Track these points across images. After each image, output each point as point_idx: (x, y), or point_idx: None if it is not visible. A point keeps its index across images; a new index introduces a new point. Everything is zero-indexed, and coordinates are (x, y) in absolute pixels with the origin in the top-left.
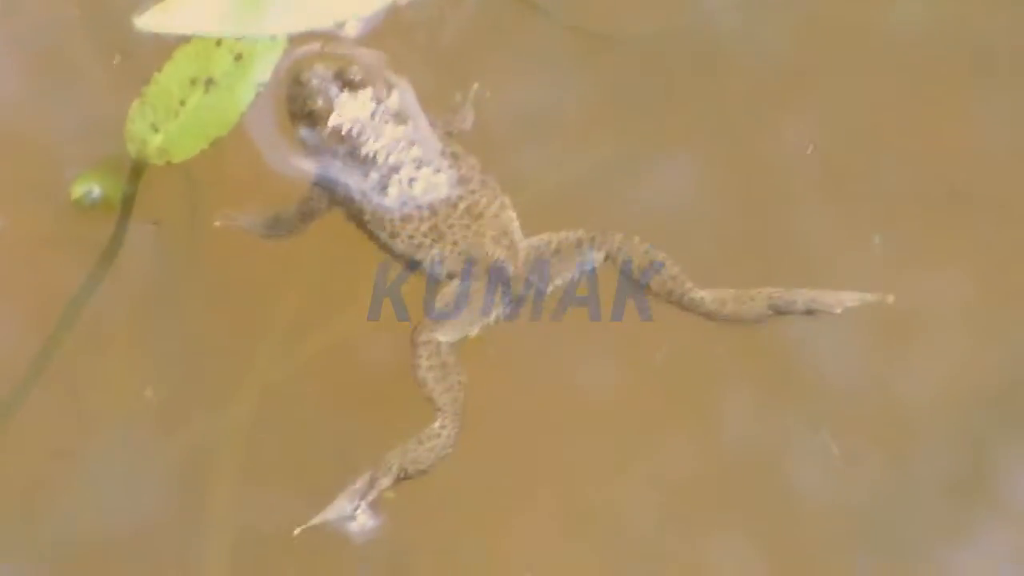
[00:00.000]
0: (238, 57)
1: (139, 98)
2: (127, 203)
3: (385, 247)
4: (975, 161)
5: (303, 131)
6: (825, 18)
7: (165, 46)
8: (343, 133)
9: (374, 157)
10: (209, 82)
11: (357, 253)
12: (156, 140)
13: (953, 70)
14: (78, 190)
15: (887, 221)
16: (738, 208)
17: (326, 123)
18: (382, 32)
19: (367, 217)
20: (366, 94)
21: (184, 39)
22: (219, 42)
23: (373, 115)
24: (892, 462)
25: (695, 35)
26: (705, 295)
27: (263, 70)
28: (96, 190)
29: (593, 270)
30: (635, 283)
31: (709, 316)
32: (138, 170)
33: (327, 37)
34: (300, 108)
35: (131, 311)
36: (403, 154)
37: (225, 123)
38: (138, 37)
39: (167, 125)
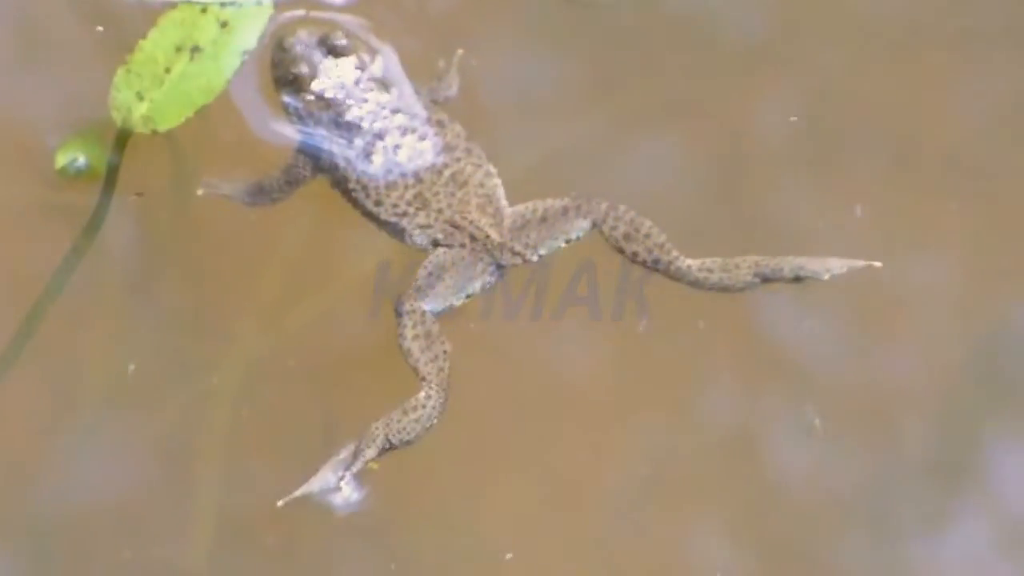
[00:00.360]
0: (224, 24)
1: (124, 66)
2: (112, 172)
3: (370, 215)
4: (958, 133)
5: (287, 97)
6: None
7: (150, 13)
8: (327, 99)
9: (358, 124)
10: (195, 49)
11: (343, 226)
12: (141, 108)
13: (935, 41)
14: (62, 159)
15: (871, 192)
16: (724, 178)
17: (310, 89)
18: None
19: (352, 184)
20: (350, 60)
21: (170, 5)
22: (205, 8)
23: (357, 81)
24: (875, 440)
25: (680, 3)
26: (692, 263)
27: (249, 37)
28: (81, 159)
29: (579, 238)
30: (620, 251)
31: (695, 285)
32: (123, 139)
33: (313, 3)
34: (284, 74)
35: (115, 282)
36: (387, 121)
37: (211, 91)
38: (123, 3)
39: (152, 93)
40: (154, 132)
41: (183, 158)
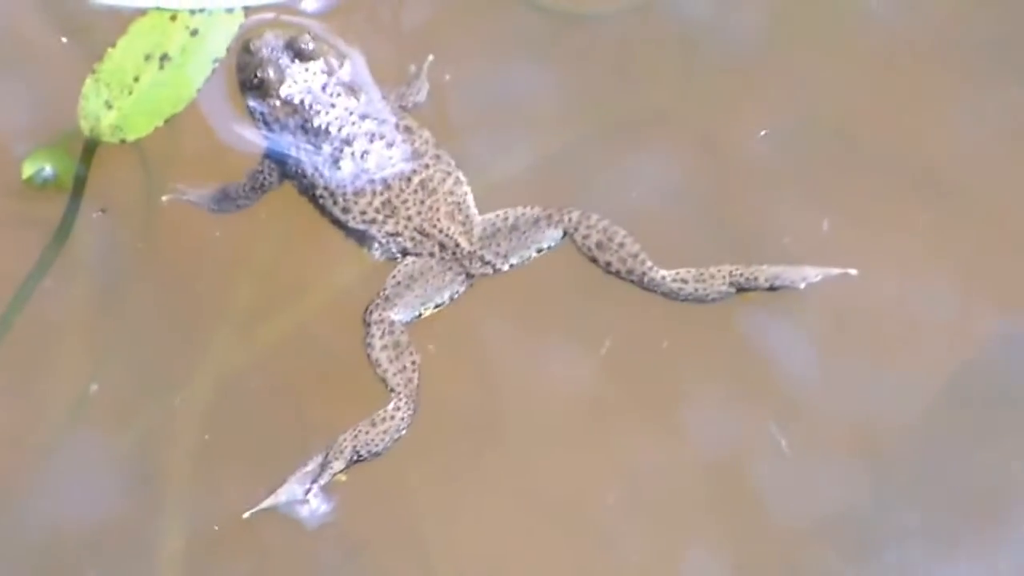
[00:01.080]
0: (194, 32)
1: (92, 74)
2: (79, 182)
3: (337, 222)
4: (945, 147)
5: (253, 102)
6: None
7: (119, 20)
8: (294, 104)
9: (326, 129)
10: (164, 58)
11: (315, 237)
12: (110, 117)
13: (923, 55)
14: (29, 168)
15: (851, 204)
16: (700, 191)
17: (277, 94)
18: (342, 7)
19: (319, 191)
20: (318, 65)
21: (139, 12)
22: (174, 16)
23: (325, 86)
24: (856, 456)
25: (661, 15)
26: (666, 274)
27: (219, 45)
28: (47, 169)
29: (551, 248)
30: (593, 261)
31: (670, 296)
32: (91, 148)
33: (284, 10)
34: (249, 78)
35: (83, 294)
36: (356, 127)
37: (180, 100)
38: (92, 10)
39: (121, 102)
40: (123, 142)
41: (152, 169)
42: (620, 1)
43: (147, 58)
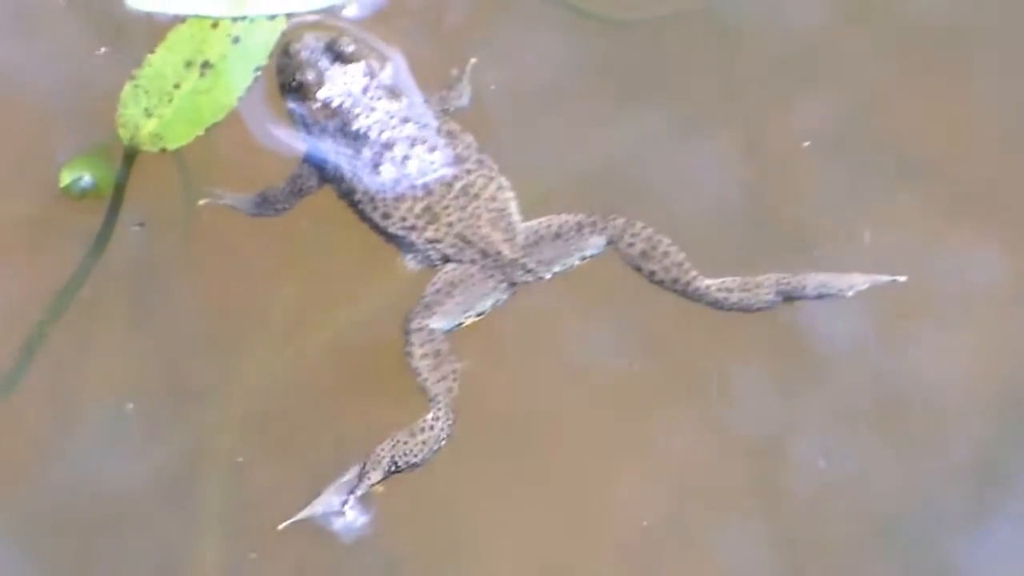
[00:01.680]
0: (235, 39)
1: (131, 81)
2: (118, 192)
3: (377, 228)
4: (997, 161)
5: (292, 105)
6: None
7: (159, 26)
8: (334, 107)
9: (366, 133)
10: (205, 65)
11: (352, 248)
12: (149, 126)
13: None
14: (66, 177)
15: (896, 213)
16: (744, 199)
17: (316, 97)
18: (385, 12)
19: (359, 196)
20: (358, 67)
21: (179, 19)
22: (216, 23)
23: (365, 89)
24: (908, 450)
25: (706, 21)
26: (711, 283)
27: (261, 53)
28: (86, 178)
29: (594, 256)
30: (637, 270)
31: (715, 305)
32: (130, 157)
33: (327, 16)
34: (289, 80)
35: (120, 305)
36: (396, 131)
37: (221, 108)
38: (130, 16)
39: (161, 110)
40: (163, 150)
41: (192, 178)
42: (666, 7)
43: (188, 65)
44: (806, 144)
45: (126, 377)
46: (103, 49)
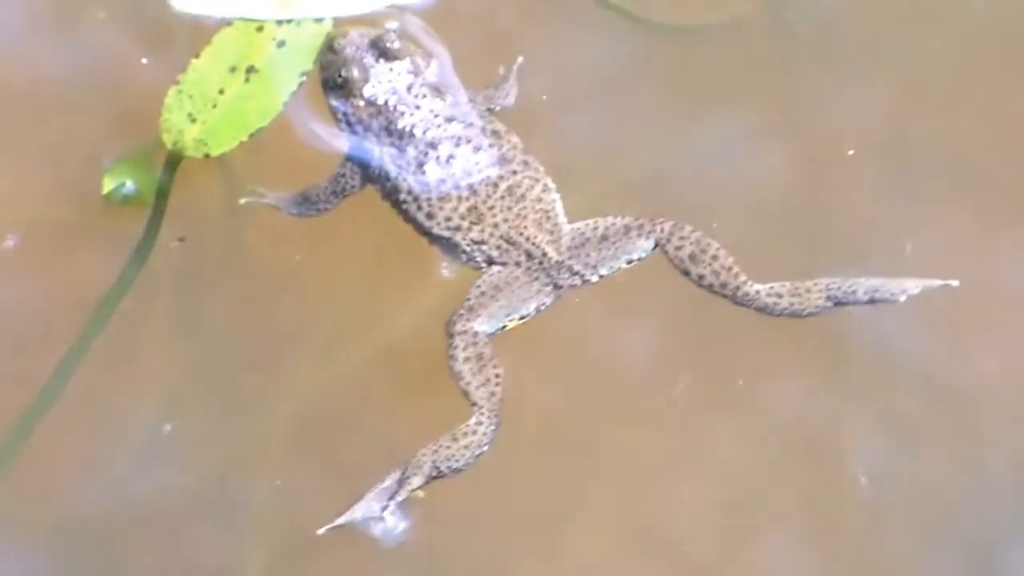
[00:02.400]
0: (280, 43)
1: (175, 86)
2: (161, 198)
3: (421, 229)
4: None
5: (335, 102)
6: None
7: (203, 30)
8: (378, 105)
9: (411, 132)
10: (250, 70)
11: (398, 257)
12: (193, 131)
13: None
14: (109, 183)
15: (947, 221)
16: (794, 202)
17: (360, 94)
18: (433, 17)
19: (403, 196)
20: (403, 65)
21: (224, 23)
22: (261, 27)
23: (410, 87)
24: (955, 454)
25: (758, 28)
26: (760, 288)
27: (307, 56)
28: (128, 184)
29: (641, 259)
30: (685, 274)
31: (764, 310)
32: (173, 163)
33: (373, 19)
34: (333, 77)
35: (163, 315)
36: (441, 130)
37: (266, 113)
38: (175, 19)
39: (205, 115)
40: (207, 156)
41: (236, 184)
42: (722, 13)
43: (232, 70)
44: (850, 152)
45: (169, 388)
46: (144, 60)
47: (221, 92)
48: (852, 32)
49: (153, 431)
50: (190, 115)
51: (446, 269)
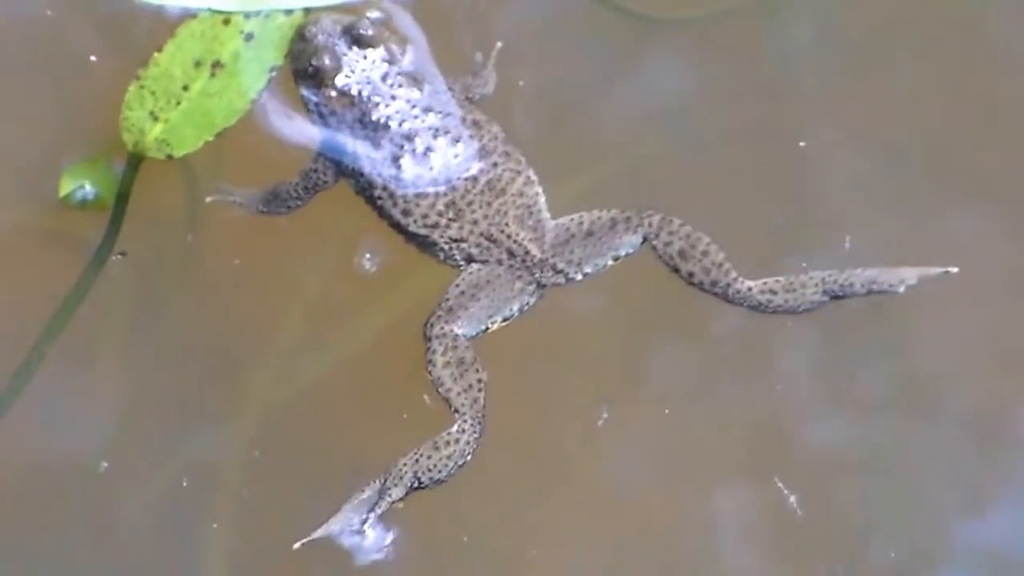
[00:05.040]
0: (248, 36)
1: (136, 81)
2: (121, 202)
3: (397, 226)
4: None
5: (307, 93)
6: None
7: (167, 22)
8: (351, 95)
9: (386, 123)
10: (216, 65)
11: (370, 250)
12: (155, 130)
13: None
14: (66, 185)
15: (938, 223)
16: (779, 197)
17: (333, 84)
18: (408, 2)
19: (377, 192)
20: (377, 52)
21: (188, 15)
22: (227, 19)
23: (385, 76)
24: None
25: (747, 21)
26: (752, 285)
27: (276, 52)
28: (87, 187)
29: (628, 256)
30: (675, 271)
31: (757, 308)
32: (134, 164)
33: (347, 10)
34: (304, 66)
35: (122, 323)
36: (418, 121)
37: (233, 112)
38: (136, 11)
39: (168, 113)
40: (169, 157)
41: (200, 187)
42: (706, 6)
43: (197, 65)
44: (801, 144)
45: (127, 398)
46: (93, 58)
47: (185, 88)
48: (841, 24)
49: (108, 444)
50: (152, 113)
51: (368, 261)
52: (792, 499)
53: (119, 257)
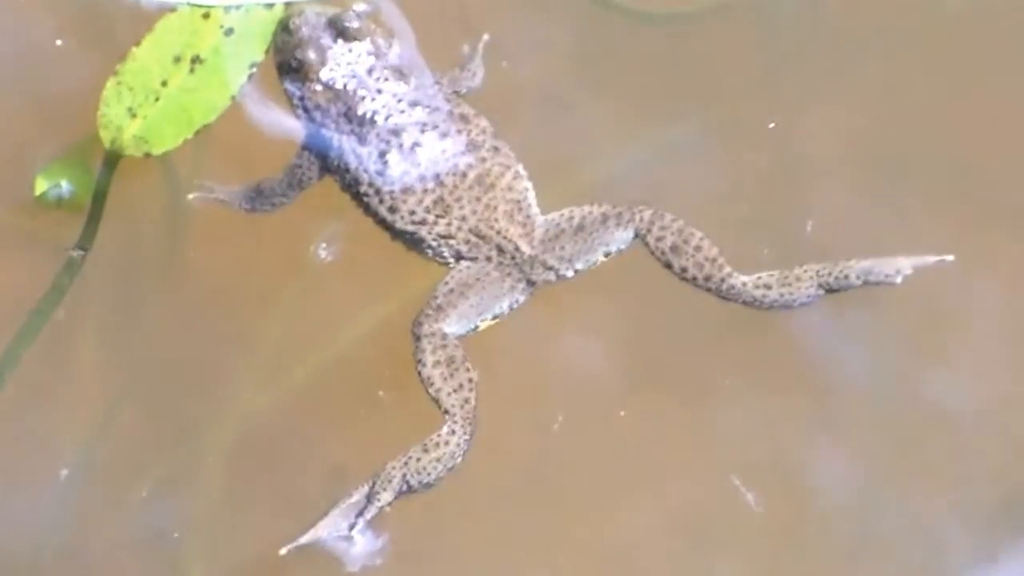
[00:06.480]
0: (228, 31)
1: (114, 77)
2: (98, 201)
3: (384, 223)
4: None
5: (291, 87)
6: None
7: (145, 16)
8: (336, 89)
9: (372, 118)
10: (196, 60)
11: (357, 263)
12: (133, 127)
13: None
14: (42, 184)
15: (922, 210)
16: (768, 193)
17: (317, 78)
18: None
19: (363, 188)
20: (363, 45)
21: (167, 8)
22: (207, 13)
23: (371, 70)
24: (912, 470)
25: (736, 15)
26: (746, 280)
27: (258, 47)
28: (63, 185)
29: (620, 251)
30: (667, 267)
31: (752, 304)
32: (112, 162)
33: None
34: (288, 60)
35: (98, 326)
36: (405, 115)
37: (213, 108)
38: (114, 5)
39: (146, 109)
40: (147, 155)
41: (180, 186)
42: (695, 1)
43: (176, 60)
44: (771, 125)
45: (104, 403)
46: (59, 42)
47: (164, 84)
48: (830, 19)
49: (83, 452)
50: (130, 109)
51: (324, 251)
52: (750, 496)
53: (79, 253)
